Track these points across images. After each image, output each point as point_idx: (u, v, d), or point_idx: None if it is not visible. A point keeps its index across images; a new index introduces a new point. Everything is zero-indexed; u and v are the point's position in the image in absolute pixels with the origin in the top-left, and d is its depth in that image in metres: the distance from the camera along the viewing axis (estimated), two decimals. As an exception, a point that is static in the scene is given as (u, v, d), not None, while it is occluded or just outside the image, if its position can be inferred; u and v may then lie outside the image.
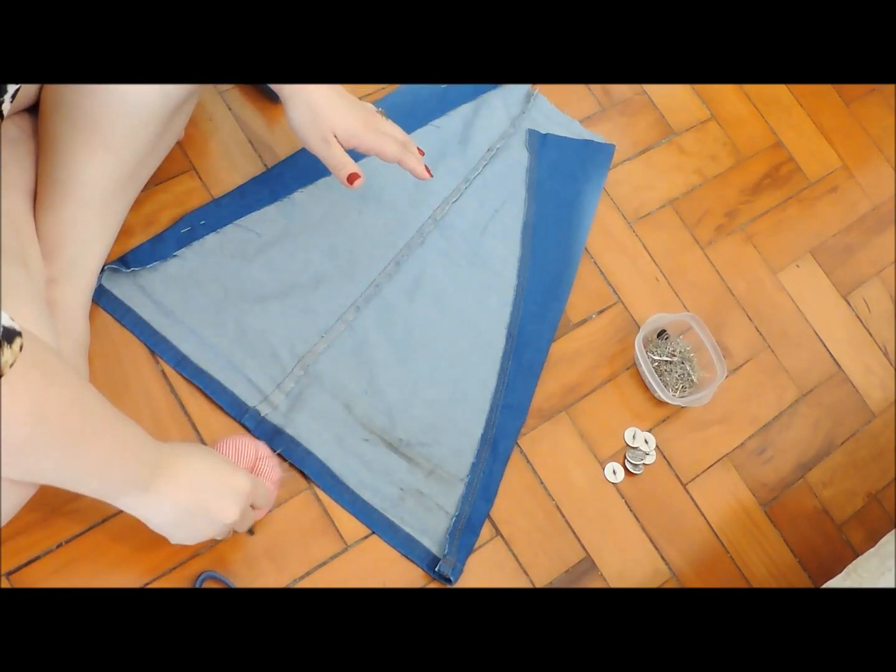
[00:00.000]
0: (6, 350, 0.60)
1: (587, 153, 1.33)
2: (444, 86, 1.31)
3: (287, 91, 0.94)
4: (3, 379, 0.61)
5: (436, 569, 1.01)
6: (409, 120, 1.27)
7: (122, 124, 0.93)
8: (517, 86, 1.36)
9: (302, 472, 1.03)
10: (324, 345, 1.09)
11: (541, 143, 1.32)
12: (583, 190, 1.31)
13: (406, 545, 1.03)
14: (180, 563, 0.95)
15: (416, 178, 1.03)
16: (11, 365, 0.61)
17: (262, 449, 0.97)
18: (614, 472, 1.15)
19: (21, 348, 0.62)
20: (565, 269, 1.25)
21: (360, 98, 1.26)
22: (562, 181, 1.30)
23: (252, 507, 0.92)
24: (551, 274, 1.23)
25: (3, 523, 0.77)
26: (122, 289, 1.04)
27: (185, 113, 1.03)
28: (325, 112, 0.95)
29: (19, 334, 0.62)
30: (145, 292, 1.05)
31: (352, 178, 0.98)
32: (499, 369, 1.15)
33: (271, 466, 0.96)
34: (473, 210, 1.24)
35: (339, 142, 0.97)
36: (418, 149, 1.05)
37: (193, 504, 0.82)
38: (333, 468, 1.03)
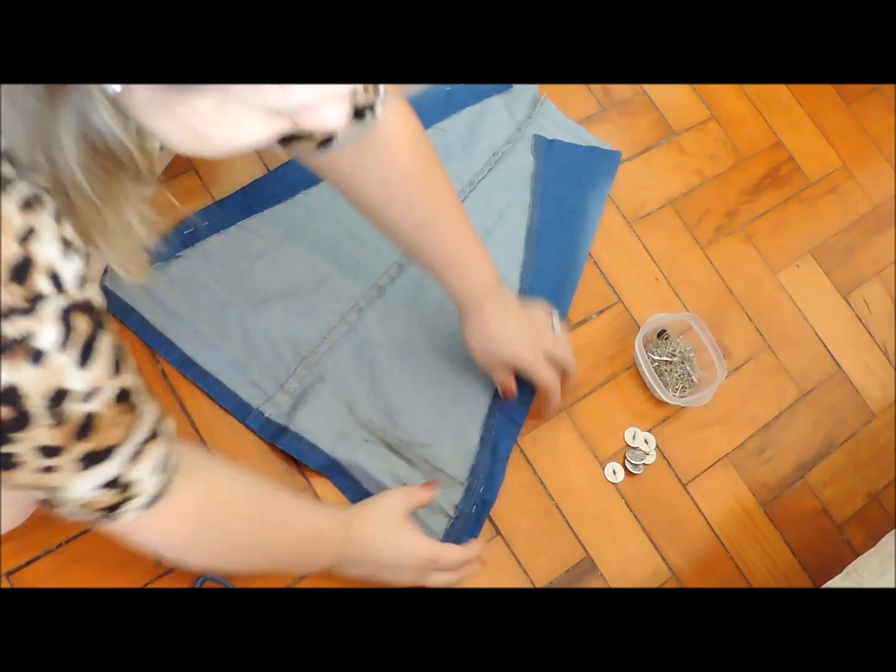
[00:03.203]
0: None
1: (593, 160, 1.33)
2: (448, 88, 1.31)
3: (465, 314, 1.03)
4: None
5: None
6: (413, 122, 1.27)
7: None
8: (523, 90, 1.35)
9: (306, 467, 1.03)
10: (326, 345, 1.09)
11: (547, 149, 1.31)
12: (588, 197, 1.30)
13: (405, 543, 1.03)
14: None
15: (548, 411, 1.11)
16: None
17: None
18: (614, 472, 1.15)
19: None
20: (568, 276, 1.24)
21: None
22: (567, 187, 1.30)
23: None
24: (554, 280, 1.23)
25: (16, 525, 0.77)
26: (125, 289, 1.04)
27: None
28: (496, 345, 1.04)
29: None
30: (148, 293, 1.05)
31: (505, 391, 1.09)
32: (498, 372, 1.15)
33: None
34: (477, 214, 1.24)
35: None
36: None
37: (371, 577, 0.95)
38: (340, 459, 1.03)
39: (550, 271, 1.23)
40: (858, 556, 1.07)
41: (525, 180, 1.29)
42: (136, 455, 0.65)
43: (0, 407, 0.54)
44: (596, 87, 1.40)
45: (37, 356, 0.54)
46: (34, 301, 0.53)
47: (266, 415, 1.03)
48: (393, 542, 0.94)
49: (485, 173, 1.27)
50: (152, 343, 1.03)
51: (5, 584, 0.91)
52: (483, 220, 1.24)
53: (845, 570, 1.04)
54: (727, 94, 1.48)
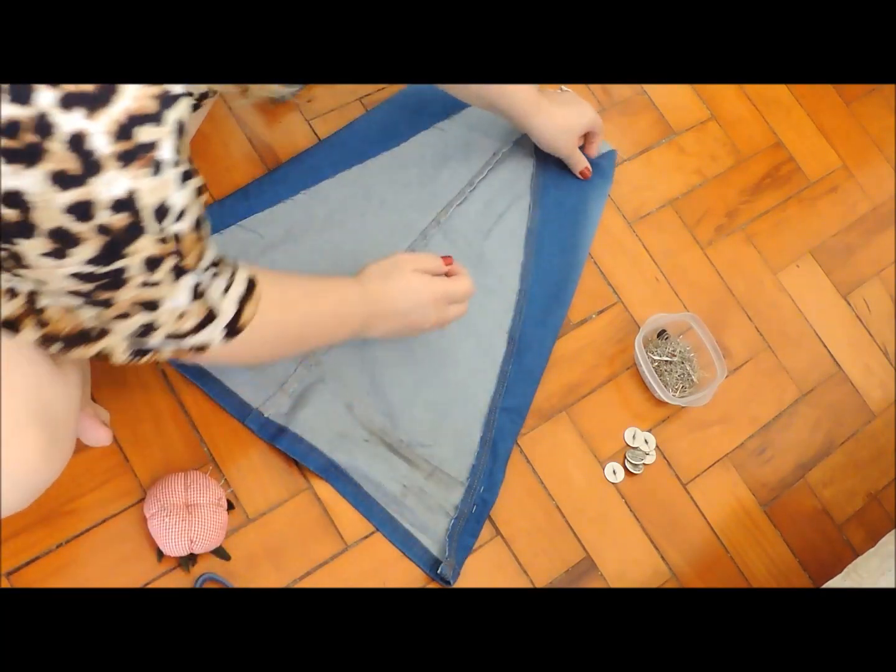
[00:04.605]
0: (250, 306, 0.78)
1: (593, 160, 1.33)
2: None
3: (528, 117, 1.17)
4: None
5: (437, 571, 1.01)
6: (413, 122, 1.26)
7: None
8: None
9: (305, 468, 1.03)
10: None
11: None
12: (588, 197, 1.30)
13: (404, 542, 1.03)
14: (180, 563, 0.95)
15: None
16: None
17: (195, 481, 0.96)
18: (614, 472, 1.15)
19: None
20: (568, 276, 1.24)
21: (361, 98, 1.26)
22: (567, 188, 1.29)
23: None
24: (554, 280, 1.23)
25: (32, 500, 0.76)
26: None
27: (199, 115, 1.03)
28: (570, 122, 1.22)
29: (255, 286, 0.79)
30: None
31: (585, 172, 1.27)
32: (499, 372, 1.15)
33: (208, 502, 0.95)
34: (477, 214, 1.24)
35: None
36: None
37: (398, 329, 1.00)
38: (338, 461, 1.03)
39: (550, 271, 1.23)
40: (858, 556, 1.07)
41: (525, 180, 1.29)
42: (212, 274, 0.73)
43: (119, 214, 0.59)
44: (596, 87, 1.40)
45: (157, 166, 0.58)
46: (163, 104, 0.57)
47: (265, 415, 1.03)
48: (406, 288, 0.97)
49: (485, 173, 1.26)
50: (152, 343, 1.03)
51: (5, 584, 0.91)
52: (483, 220, 1.24)
53: (845, 570, 1.04)
54: (727, 94, 1.48)
